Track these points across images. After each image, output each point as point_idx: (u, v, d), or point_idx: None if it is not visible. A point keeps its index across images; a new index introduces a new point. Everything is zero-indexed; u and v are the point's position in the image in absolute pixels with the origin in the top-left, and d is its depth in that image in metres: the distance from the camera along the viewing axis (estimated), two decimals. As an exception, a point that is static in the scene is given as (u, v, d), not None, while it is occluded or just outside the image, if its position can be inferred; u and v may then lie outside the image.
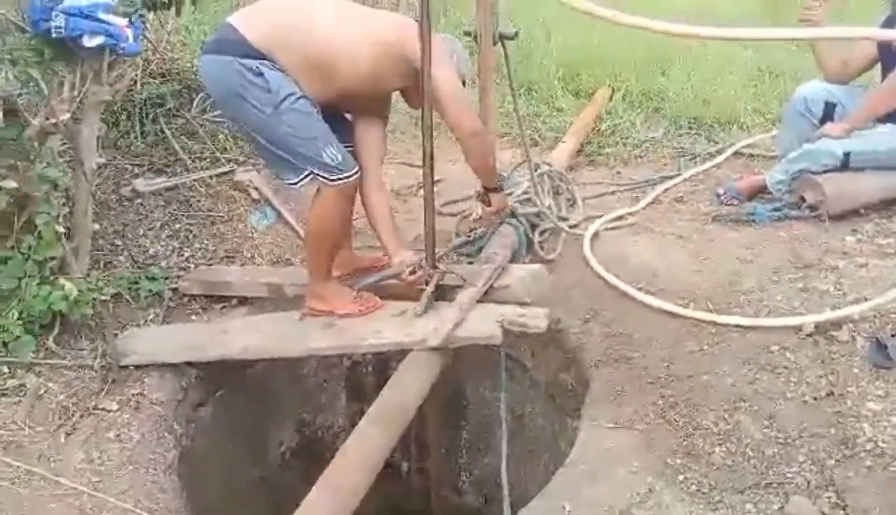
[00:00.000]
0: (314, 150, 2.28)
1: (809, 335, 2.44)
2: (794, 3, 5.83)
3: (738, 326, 2.50)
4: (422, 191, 3.61)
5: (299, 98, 2.24)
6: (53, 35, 2.47)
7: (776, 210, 3.18)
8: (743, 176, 3.60)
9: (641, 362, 2.45)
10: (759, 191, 3.39)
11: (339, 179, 2.34)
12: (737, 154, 3.90)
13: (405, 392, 2.24)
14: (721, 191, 3.45)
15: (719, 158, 3.84)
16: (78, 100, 2.64)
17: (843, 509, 1.85)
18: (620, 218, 3.32)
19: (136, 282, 2.84)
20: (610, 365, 2.49)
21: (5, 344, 2.38)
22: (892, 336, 2.30)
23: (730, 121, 4.29)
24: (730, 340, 2.47)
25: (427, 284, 2.48)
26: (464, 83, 2.51)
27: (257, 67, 2.20)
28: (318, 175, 2.32)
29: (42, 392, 2.34)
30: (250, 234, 3.30)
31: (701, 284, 2.76)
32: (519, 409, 2.94)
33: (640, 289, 2.74)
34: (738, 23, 5.47)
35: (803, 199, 3.18)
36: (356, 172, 2.38)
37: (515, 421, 2.92)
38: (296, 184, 2.37)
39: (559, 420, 2.74)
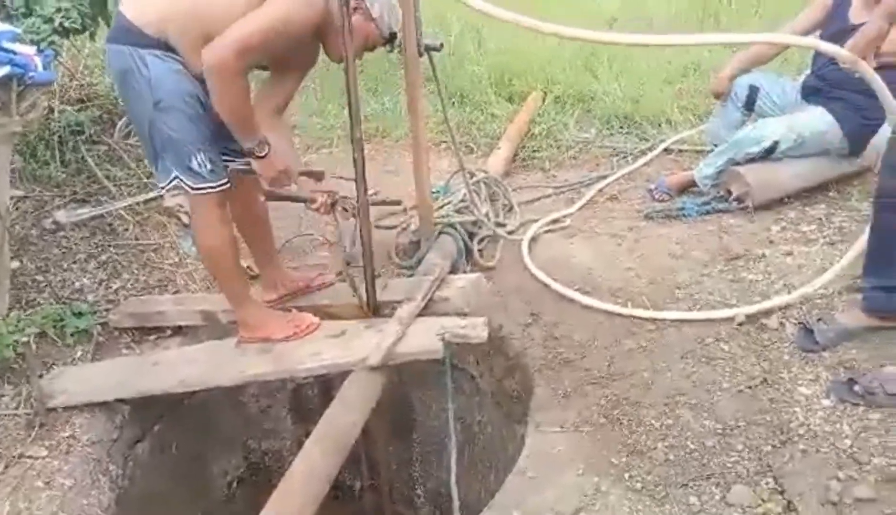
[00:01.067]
0: (184, 154, 2.18)
1: (741, 324, 2.51)
2: (721, 3, 6.07)
3: (673, 321, 2.55)
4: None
5: (183, 97, 2.14)
6: (-47, 67, 2.35)
7: (705, 204, 3.27)
8: (673, 171, 3.69)
9: (583, 364, 2.47)
10: (689, 186, 3.48)
11: (200, 189, 2.23)
12: (667, 150, 3.99)
13: (348, 412, 2.20)
14: (652, 186, 3.53)
15: (650, 156, 3.92)
16: (-15, 133, 2.51)
17: (781, 494, 1.90)
18: (556, 221, 3.35)
19: (62, 319, 2.71)
20: (553, 369, 2.51)
21: (-82, 396, 2.24)
22: (818, 320, 2.38)
23: (659, 119, 4.39)
24: (667, 335, 2.52)
25: (331, 211, 2.37)
26: (394, 36, 2.39)
27: (143, 57, 2.10)
28: (181, 180, 2.22)
29: (-39, 443, 2.22)
30: (183, 261, 3.21)
31: (636, 281, 2.81)
32: (468, 419, 2.93)
33: (578, 290, 2.77)
34: (668, 24, 5.68)
35: (729, 192, 3.28)
36: (222, 184, 2.26)
37: (465, 431, 2.91)
38: (163, 187, 2.28)
39: (507, 426, 2.74)
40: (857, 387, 2.11)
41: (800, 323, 2.42)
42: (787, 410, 2.14)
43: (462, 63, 5.03)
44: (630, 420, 2.22)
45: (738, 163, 3.28)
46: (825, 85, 3.22)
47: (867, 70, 2.31)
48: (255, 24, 2.05)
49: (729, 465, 2.00)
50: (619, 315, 2.62)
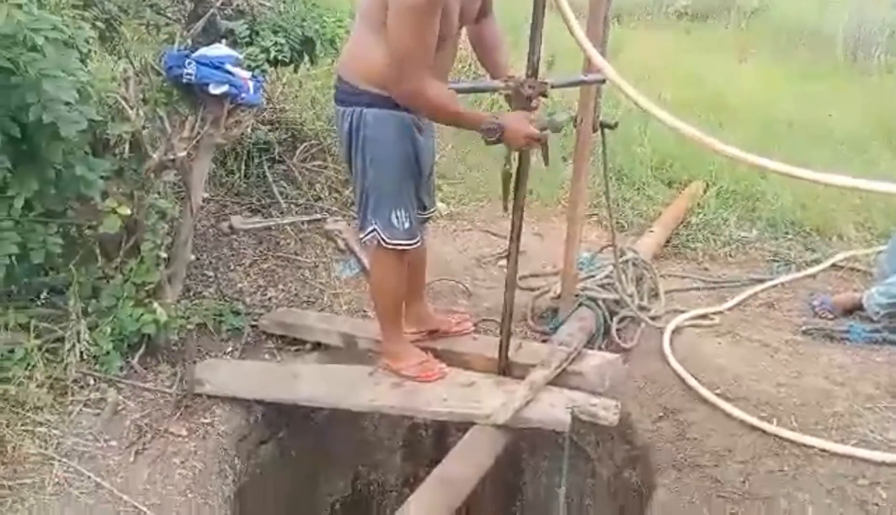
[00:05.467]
0: (387, 208, 2.29)
1: (904, 472, 2.26)
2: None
3: (824, 451, 2.34)
4: (501, 261, 3.67)
5: (396, 156, 2.25)
6: (184, 80, 2.70)
7: (875, 331, 3.00)
8: (839, 290, 3.43)
9: (714, 473, 2.33)
10: (856, 309, 3.21)
11: (395, 244, 2.34)
12: (835, 266, 3.73)
13: (467, 465, 2.21)
14: (816, 301, 3.29)
15: (816, 268, 3.67)
16: (195, 140, 2.83)
17: None
18: (704, 316, 3.21)
19: (221, 315, 2.96)
20: (679, 471, 2.38)
21: (95, 358, 2.51)
22: None
23: (829, 231, 4.12)
24: (814, 464, 2.31)
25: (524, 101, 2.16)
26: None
27: (365, 117, 2.22)
28: (378, 232, 2.33)
29: (120, 408, 2.45)
30: (332, 283, 3.40)
31: (785, 399, 2.61)
32: (577, 500, 2.83)
33: (719, 395, 2.62)
34: (848, 134, 5.39)
35: (905, 324, 3.00)
36: (415, 242, 2.38)
37: (572, 512, 2.81)
38: (363, 238, 2.43)
39: (618, 519, 2.62)
40: None
41: None
42: (950, 583, 1.89)
43: (626, 141, 5.01)
44: (760, 547, 2.05)
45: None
46: None
47: None
48: (402, 39, 2.00)
49: None
50: (763, 431, 2.44)
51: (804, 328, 3.09)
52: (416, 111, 2.21)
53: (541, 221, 4.28)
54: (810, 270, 3.65)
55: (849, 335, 3.01)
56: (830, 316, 3.21)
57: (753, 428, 2.46)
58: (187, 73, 2.77)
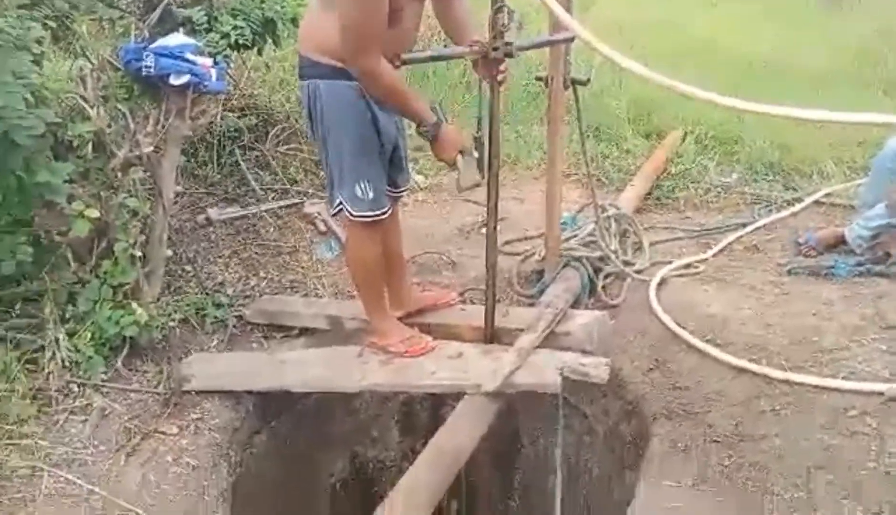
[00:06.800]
0: (350, 180, 2.24)
1: (893, 400, 2.27)
2: (879, 62, 5.63)
3: (815, 387, 2.34)
4: (483, 229, 3.64)
5: (353, 125, 2.20)
6: (143, 73, 2.63)
7: (858, 264, 3.01)
8: (822, 226, 3.43)
9: (707, 418, 2.34)
10: (838, 244, 3.21)
11: (361, 216, 2.30)
12: (816, 203, 3.73)
13: (459, 435, 2.21)
14: (801, 239, 3.29)
15: (797, 207, 3.67)
16: (161, 133, 2.77)
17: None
18: (689, 265, 3.21)
19: (203, 309, 2.92)
20: (673, 420, 2.39)
21: (77, 364, 2.48)
22: None
23: (809, 169, 4.11)
24: (805, 401, 2.32)
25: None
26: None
27: (318, 88, 2.18)
28: (344, 205, 2.30)
29: (107, 412, 2.42)
30: (314, 266, 3.36)
31: (774, 340, 2.62)
32: (575, 457, 2.85)
33: (707, 342, 2.62)
34: (822, 79, 5.36)
35: (888, 255, 2.99)
36: (382, 214, 2.34)
37: (571, 470, 2.83)
38: (333, 214, 2.41)
39: (616, 472, 2.64)
40: None
41: None
42: (944, 504, 1.91)
43: (601, 96, 4.96)
44: (756, 486, 2.07)
45: (898, 226, 3.00)
46: None
47: None
48: (350, 14, 1.96)
49: (869, 556, 1.81)
50: (752, 372, 2.45)
51: (788, 267, 3.09)
52: (367, 90, 2.14)
53: (520, 185, 4.25)
54: (792, 209, 3.65)
55: (833, 270, 3.01)
56: (814, 253, 3.21)
57: (743, 370, 2.47)
58: (146, 66, 2.70)
